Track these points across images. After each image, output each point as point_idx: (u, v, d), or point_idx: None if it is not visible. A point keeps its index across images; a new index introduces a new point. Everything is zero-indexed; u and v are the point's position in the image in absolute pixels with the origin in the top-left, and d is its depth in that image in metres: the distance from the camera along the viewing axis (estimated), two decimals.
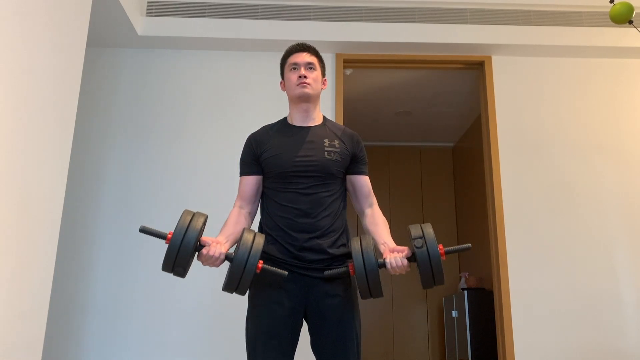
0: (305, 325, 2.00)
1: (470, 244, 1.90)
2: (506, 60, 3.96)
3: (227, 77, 3.86)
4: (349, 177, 2.14)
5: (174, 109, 3.78)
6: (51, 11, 2.55)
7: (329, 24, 3.82)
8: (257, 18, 3.82)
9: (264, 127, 2.20)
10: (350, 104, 4.75)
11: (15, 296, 2.26)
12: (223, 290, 1.83)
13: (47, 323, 2.53)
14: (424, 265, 1.80)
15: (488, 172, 3.84)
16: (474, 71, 4.15)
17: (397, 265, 1.85)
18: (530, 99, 3.89)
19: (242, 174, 2.14)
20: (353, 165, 2.13)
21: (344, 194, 2.14)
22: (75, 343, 3.36)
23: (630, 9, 2.57)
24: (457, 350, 5.09)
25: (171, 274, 1.80)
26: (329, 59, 3.82)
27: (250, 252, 1.77)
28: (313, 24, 3.82)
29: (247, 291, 1.85)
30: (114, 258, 3.49)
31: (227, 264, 1.85)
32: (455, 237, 6.22)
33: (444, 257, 1.81)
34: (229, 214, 2.07)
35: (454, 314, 5.14)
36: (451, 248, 1.86)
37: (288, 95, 2.17)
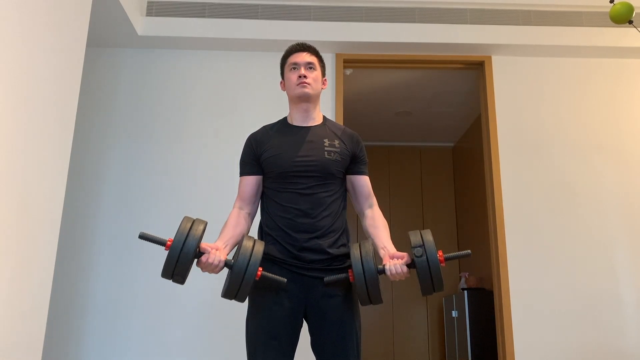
0: (305, 325, 2.00)
1: (470, 251, 1.90)
2: (506, 60, 3.96)
3: (227, 77, 3.86)
4: (348, 177, 2.14)
5: (174, 109, 3.78)
6: (51, 11, 2.55)
7: (329, 24, 3.82)
8: (257, 18, 3.82)
9: (264, 127, 2.20)
10: (350, 104, 4.75)
11: (15, 296, 2.26)
12: (222, 297, 1.84)
13: (47, 323, 2.53)
14: (424, 274, 1.81)
15: (488, 172, 3.84)
16: (474, 71, 4.15)
17: (396, 273, 1.86)
18: (530, 99, 3.89)
19: (242, 174, 2.14)
20: (353, 165, 2.13)
21: (344, 194, 2.13)
22: (75, 343, 3.36)
23: (630, 9, 2.57)
24: (457, 350, 5.09)
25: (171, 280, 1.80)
26: (329, 59, 3.82)
27: (249, 259, 1.78)
28: (313, 24, 3.82)
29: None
30: (114, 258, 3.49)
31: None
32: (455, 238, 6.22)
33: (443, 264, 1.82)
34: (228, 216, 2.07)
35: (454, 314, 5.14)
36: (451, 255, 1.87)
37: (288, 95, 2.17)
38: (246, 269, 1.76)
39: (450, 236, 6.21)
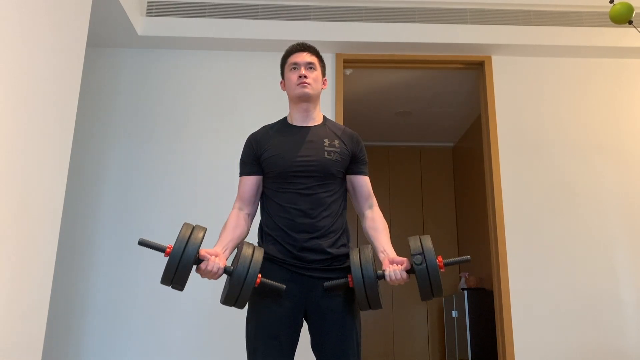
0: (305, 325, 2.00)
1: (469, 257, 1.93)
2: (506, 60, 3.96)
3: (227, 77, 3.86)
4: (348, 177, 2.14)
5: (174, 109, 3.78)
6: (51, 11, 2.55)
7: (329, 24, 3.82)
8: (257, 18, 3.82)
9: (264, 127, 2.20)
10: (350, 104, 4.75)
11: (15, 296, 2.26)
12: (222, 303, 1.84)
13: (47, 323, 2.53)
14: (424, 282, 1.83)
15: (488, 172, 3.84)
16: (474, 71, 4.15)
17: (396, 279, 1.88)
18: (530, 99, 3.89)
19: (241, 174, 2.14)
20: (353, 165, 2.13)
21: (344, 195, 2.13)
22: (75, 343, 3.36)
23: (630, 9, 2.57)
24: (457, 350, 5.09)
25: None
26: (329, 59, 3.82)
27: (249, 267, 1.78)
28: (313, 24, 3.82)
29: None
30: (114, 258, 3.49)
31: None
32: (455, 238, 6.22)
33: (442, 270, 1.83)
34: (228, 217, 2.07)
35: (454, 314, 5.14)
36: (450, 260, 1.88)
37: (288, 95, 2.17)
38: (245, 277, 1.77)
39: (450, 236, 6.21)
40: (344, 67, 3.96)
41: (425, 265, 1.81)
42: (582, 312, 3.51)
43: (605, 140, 3.82)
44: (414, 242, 1.88)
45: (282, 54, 2.22)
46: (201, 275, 1.85)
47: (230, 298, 1.80)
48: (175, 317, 3.40)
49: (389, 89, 5.10)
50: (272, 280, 1.88)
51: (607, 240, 3.63)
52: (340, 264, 2.00)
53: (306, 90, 2.09)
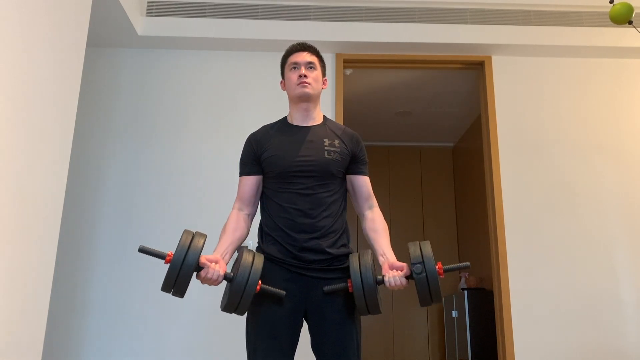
0: (305, 325, 2.00)
1: (469, 263, 1.94)
2: (506, 60, 3.96)
3: (227, 77, 3.86)
4: (348, 177, 2.14)
5: (174, 109, 3.78)
6: (51, 11, 2.55)
7: (329, 24, 3.82)
8: (257, 18, 3.82)
9: (264, 126, 2.20)
10: (350, 104, 4.76)
11: (15, 296, 2.27)
12: (222, 310, 1.85)
13: (47, 323, 2.53)
14: (423, 290, 1.83)
15: (488, 172, 3.84)
16: (474, 71, 4.16)
17: (395, 285, 1.88)
18: (530, 99, 3.89)
19: (241, 174, 2.13)
20: (353, 165, 2.13)
21: (345, 195, 2.13)
22: (75, 343, 3.36)
23: (630, 9, 2.57)
24: (457, 350, 5.09)
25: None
26: (329, 59, 3.82)
27: (249, 275, 1.78)
28: (313, 24, 3.82)
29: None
30: (114, 258, 3.49)
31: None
32: (455, 238, 6.22)
33: (442, 276, 1.84)
34: (227, 218, 2.06)
35: (454, 314, 5.14)
36: (450, 266, 1.88)
37: (288, 94, 2.17)
38: (246, 285, 1.77)
39: (450, 236, 6.21)
40: (344, 67, 3.96)
41: (425, 274, 1.82)
42: (582, 312, 3.51)
43: (605, 140, 3.82)
44: (413, 250, 1.88)
45: (282, 54, 2.22)
46: (201, 282, 1.86)
47: (231, 305, 1.80)
48: (175, 317, 3.40)
49: (389, 89, 5.11)
50: (272, 280, 1.88)
51: (607, 240, 3.64)
52: (340, 263, 2.00)
53: (306, 90, 2.09)
